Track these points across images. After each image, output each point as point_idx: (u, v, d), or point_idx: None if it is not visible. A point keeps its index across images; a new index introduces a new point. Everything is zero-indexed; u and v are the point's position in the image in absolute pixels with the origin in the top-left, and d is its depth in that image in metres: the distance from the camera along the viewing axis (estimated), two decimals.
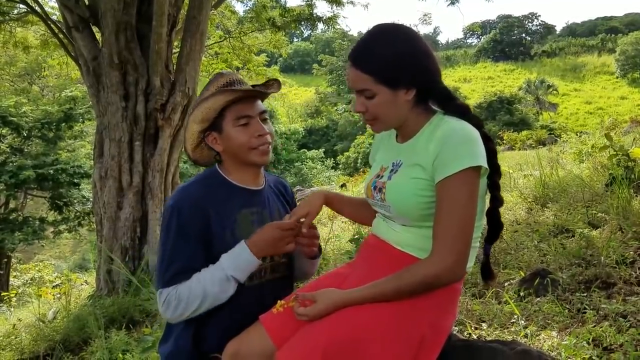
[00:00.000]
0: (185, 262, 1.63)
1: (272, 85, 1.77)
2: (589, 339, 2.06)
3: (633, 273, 2.66)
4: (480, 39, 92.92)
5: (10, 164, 14.13)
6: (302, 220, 1.66)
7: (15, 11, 9.52)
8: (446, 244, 1.35)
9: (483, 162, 1.36)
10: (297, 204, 1.83)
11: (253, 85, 1.77)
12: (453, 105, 1.48)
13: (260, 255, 1.65)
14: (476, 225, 1.42)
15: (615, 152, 4.13)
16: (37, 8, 7.60)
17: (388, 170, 1.53)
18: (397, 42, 1.43)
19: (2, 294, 8.79)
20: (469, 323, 2.46)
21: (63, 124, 15.79)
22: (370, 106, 1.46)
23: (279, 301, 1.56)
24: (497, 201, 1.48)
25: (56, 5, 7.21)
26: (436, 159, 1.38)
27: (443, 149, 1.37)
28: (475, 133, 1.40)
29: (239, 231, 1.70)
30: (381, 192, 1.51)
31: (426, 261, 1.38)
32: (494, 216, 1.51)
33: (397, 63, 1.41)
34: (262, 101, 1.80)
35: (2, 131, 15.23)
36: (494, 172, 1.45)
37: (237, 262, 1.63)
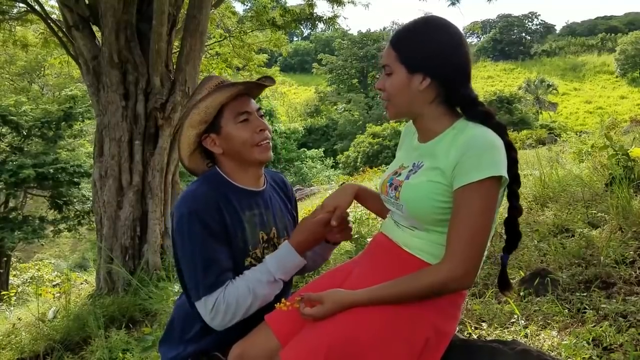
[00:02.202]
0: (221, 264, 1.58)
1: (265, 80, 1.75)
2: (589, 338, 2.06)
3: (633, 273, 2.66)
4: (480, 38, 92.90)
5: (10, 162, 14.11)
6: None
7: (15, 10, 9.50)
8: (458, 252, 1.34)
9: (504, 172, 1.34)
10: (297, 197, 1.82)
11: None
12: (476, 112, 1.44)
13: (303, 253, 1.66)
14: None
15: (615, 152, 4.12)
16: (36, 7, 7.58)
17: (407, 169, 1.51)
18: (434, 32, 1.44)
19: (2, 293, 8.79)
20: (469, 323, 2.47)
21: (63, 123, 15.77)
22: (387, 84, 1.47)
23: (283, 299, 1.54)
24: (515, 210, 1.46)
25: (56, 4, 7.20)
26: (457, 166, 1.36)
27: (464, 156, 1.35)
28: (499, 141, 1.38)
29: (245, 233, 1.68)
30: (397, 190, 1.49)
31: (436, 268, 1.37)
32: (512, 226, 1.49)
33: (426, 50, 1.42)
34: (255, 99, 1.78)
35: (2, 130, 15.21)
36: (514, 181, 1.42)
37: (284, 264, 1.63)
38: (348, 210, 1.71)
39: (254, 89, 1.75)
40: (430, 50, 1.41)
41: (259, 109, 1.74)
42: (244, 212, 1.69)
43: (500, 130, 1.42)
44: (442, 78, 1.42)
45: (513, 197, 1.45)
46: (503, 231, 1.55)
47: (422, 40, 1.42)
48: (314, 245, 1.70)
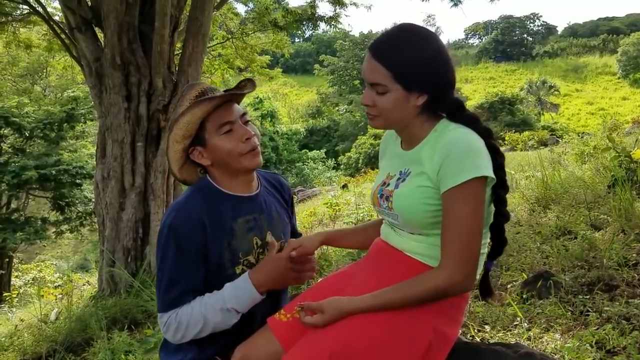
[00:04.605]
0: (185, 284, 1.59)
1: (245, 85, 1.71)
2: (592, 341, 2.06)
3: (635, 275, 2.65)
4: (482, 39, 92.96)
5: (13, 164, 14.15)
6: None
7: (18, 12, 9.53)
8: (454, 256, 1.34)
9: (487, 172, 1.34)
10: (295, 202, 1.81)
11: (226, 90, 1.71)
12: (461, 116, 1.45)
13: (263, 290, 1.62)
14: (484, 232, 1.41)
15: (617, 154, 4.13)
16: (39, 9, 7.61)
17: (395, 178, 1.51)
18: (423, 45, 1.40)
19: (4, 294, 8.82)
20: (472, 325, 2.47)
21: (65, 124, 15.83)
22: (380, 102, 1.42)
23: (282, 310, 1.56)
24: (501, 217, 1.45)
25: (58, 6, 7.22)
26: (440, 169, 1.36)
27: (447, 160, 1.35)
28: (479, 142, 1.38)
29: (235, 241, 1.66)
30: (388, 200, 1.49)
31: (434, 273, 1.37)
32: (498, 232, 1.48)
33: (420, 66, 1.38)
34: (238, 104, 1.73)
35: (5, 131, 15.25)
36: (500, 186, 1.41)
37: (239, 294, 1.61)
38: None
39: (236, 95, 1.71)
40: (425, 67, 1.38)
41: (244, 114, 1.69)
42: (236, 220, 1.68)
43: (486, 134, 1.42)
44: (435, 90, 1.41)
45: (499, 202, 1.44)
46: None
47: (415, 56, 1.38)
48: (277, 284, 1.66)
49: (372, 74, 1.42)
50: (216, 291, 1.62)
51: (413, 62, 1.38)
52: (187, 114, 1.60)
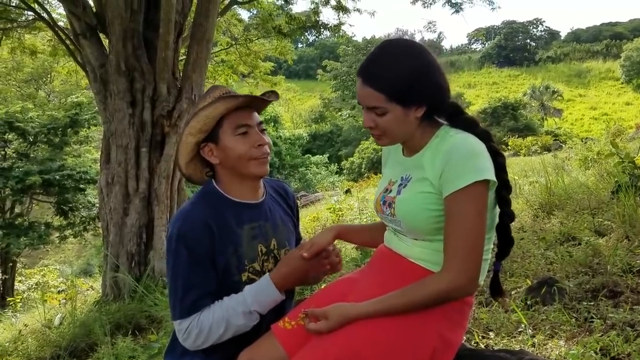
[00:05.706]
0: (202, 288, 1.60)
1: (269, 95, 1.74)
2: (596, 348, 2.06)
3: None
4: (485, 44, 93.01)
5: (17, 169, 14.20)
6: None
7: (23, 18, 9.59)
8: (457, 259, 1.34)
9: (489, 176, 1.35)
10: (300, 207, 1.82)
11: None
12: (461, 120, 1.47)
13: (284, 289, 1.65)
14: (487, 237, 1.42)
15: (620, 159, 4.13)
16: (44, 15, 7.65)
17: (397, 184, 1.52)
18: (410, 59, 1.42)
19: (7, 299, 8.83)
20: (476, 332, 2.47)
21: (69, 129, 15.89)
22: (381, 122, 1.44)
23: (286, 318, 1.57)
24: (507, 217, 1.46)
25: (64, 12, 7.26)
26: (442, 174, 1.38)
27: (448, 164, 1.36)
28: (480, 146, 1.39)
29: (241, 248, 1.67)
30: (391, 207, 1.50)
31: (438, 276, 1.38)
32: (504, 232, 1.49)
33: (411, 81, 1.39)
34: (259, 114, 1.76)
35: (9, 136, 15.32)
36: (503, 187, 1.43)
37: (261, 297, 1.62)
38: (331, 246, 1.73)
39: (258, 102, 1.74)
40: (417, 81, 1.40)
41: (261, 122, 1.72)
42: (242, 227, 1.69)
43: (485, 136, 1.44)
44: (431, 99, 1.43)
45: (503, 202, 1.45)
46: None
47: (404, 73, 1.40)
48: (296, 282, 1.69)
49: (367, 99, 1.43)
50: (234, 294, 1.63)
51: (404, 79, 1.40)
52: (209, 107, 1.62)
